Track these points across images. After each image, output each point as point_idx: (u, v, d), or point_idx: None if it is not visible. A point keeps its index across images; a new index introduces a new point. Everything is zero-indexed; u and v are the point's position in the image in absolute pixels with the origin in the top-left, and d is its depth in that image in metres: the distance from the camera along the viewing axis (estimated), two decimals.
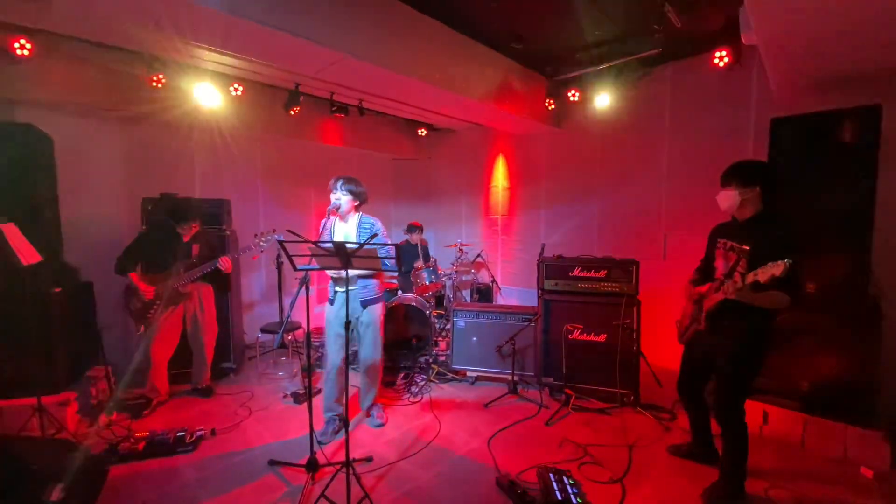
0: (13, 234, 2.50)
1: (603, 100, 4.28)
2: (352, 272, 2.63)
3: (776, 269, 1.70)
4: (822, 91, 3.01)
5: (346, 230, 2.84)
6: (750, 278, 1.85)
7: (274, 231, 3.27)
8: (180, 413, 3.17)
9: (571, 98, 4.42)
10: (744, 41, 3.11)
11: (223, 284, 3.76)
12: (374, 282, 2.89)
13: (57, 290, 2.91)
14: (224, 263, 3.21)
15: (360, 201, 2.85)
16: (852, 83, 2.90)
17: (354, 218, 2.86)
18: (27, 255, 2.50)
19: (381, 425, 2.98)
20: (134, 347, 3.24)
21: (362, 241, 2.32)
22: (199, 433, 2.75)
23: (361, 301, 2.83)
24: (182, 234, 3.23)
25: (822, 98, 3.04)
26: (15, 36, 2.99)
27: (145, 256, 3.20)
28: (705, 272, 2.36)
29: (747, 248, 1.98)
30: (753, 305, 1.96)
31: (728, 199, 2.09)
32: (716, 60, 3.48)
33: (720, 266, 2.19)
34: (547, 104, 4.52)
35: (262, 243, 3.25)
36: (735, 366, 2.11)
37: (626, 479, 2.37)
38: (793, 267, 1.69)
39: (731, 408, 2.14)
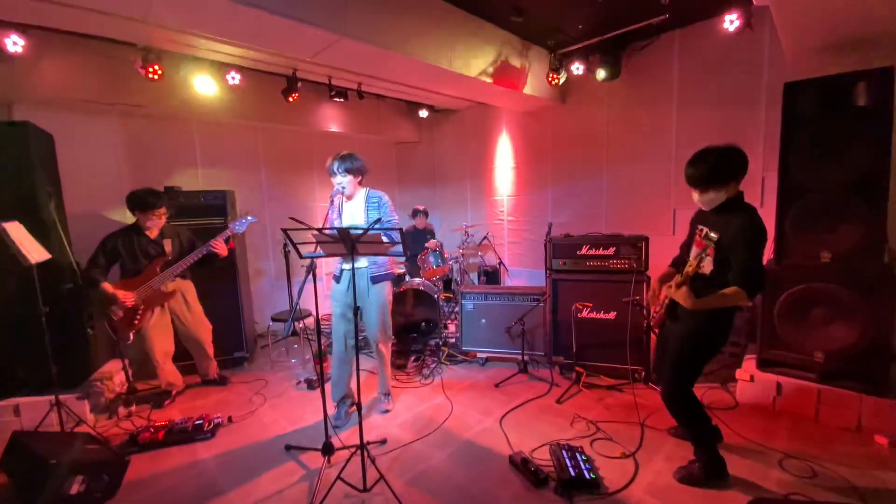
0: (19, 232, 2.51)
1: (608, 72, 4.15)
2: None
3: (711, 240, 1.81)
4: (836, 53, 2.88)
5: (352, 208, 2.80)
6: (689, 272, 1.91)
7: (247, 214, 3.24)
8: (197, 402, 3.23)
9: (575, 72, 4.30)
10: (755, 2, 2.98)
11: (231, 273, 3.78)
12: (383, 258, 2.83)
13: (69, 286, 2.94)
14: (218, 247, 3.07)
15: (362, 175, 2.81)
16: (866, 45, 2.76)
17: (361, 193, 2.83)
18: (35, 253, 2.51)
19: (386, 412, 2.98)
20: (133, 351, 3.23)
21: (369, 223, 2.29)
22: (216, 421, 2.81)
23: (371, 277, 2.77)
24: (147, 231, 3.06)
25: (836, 60, 2.91)
26: (5, 32, 2.94)
27: (112, 262, 3.02)
28: (682, 262, 2.19)
29: (715, 236, 1.87)
30: (705, 307, 1.90)
31: (709, 203, 1.97)
32: (725, 25, 3.34)
33: (694, 254, 2.06)
34: (550, 79, 4.40)
35: (235, 227, 3.16)
36: (685, 349, 2.07)
37: (638, 454, 2.39)
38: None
39: (675, 393, 2.11)
